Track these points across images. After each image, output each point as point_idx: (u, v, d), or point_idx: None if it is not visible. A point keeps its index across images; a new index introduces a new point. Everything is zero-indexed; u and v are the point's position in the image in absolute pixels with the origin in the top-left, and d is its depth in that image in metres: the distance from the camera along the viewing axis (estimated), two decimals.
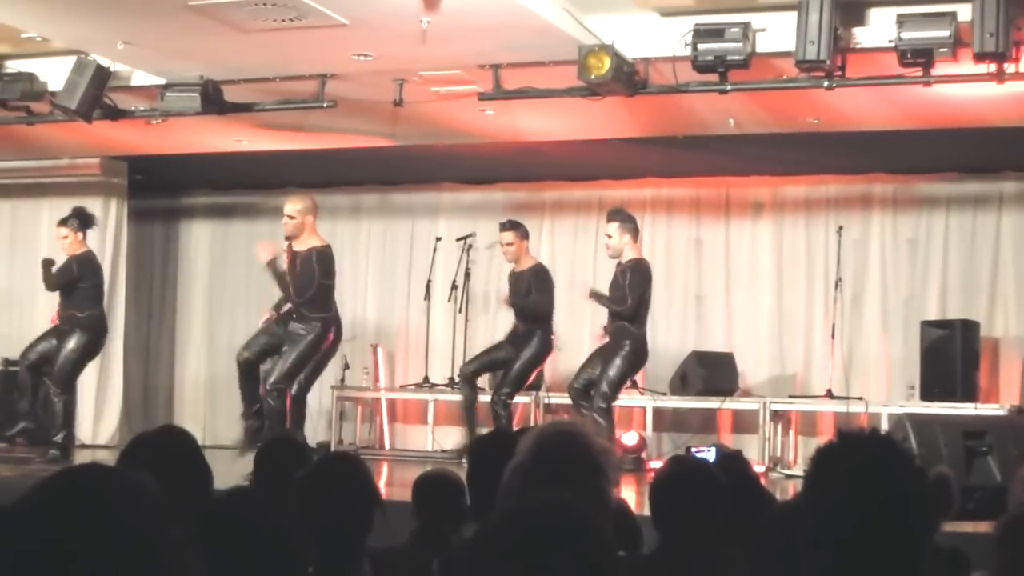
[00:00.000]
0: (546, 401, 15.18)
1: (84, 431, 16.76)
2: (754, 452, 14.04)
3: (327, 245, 13.07)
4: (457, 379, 15.08)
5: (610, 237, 13.10)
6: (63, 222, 14.03)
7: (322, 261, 12.88)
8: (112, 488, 2.18)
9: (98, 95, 12.36)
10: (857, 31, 10.74)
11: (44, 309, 17.41)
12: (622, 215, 13.22)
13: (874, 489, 2.84)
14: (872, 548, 2.82)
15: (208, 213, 18.85)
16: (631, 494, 11.25)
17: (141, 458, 4.22)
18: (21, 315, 17.65)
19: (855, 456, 2.92)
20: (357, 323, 16.83)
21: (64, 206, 17.53)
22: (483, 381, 14.68)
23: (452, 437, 15.93)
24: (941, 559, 5.05)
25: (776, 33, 10.82)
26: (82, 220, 14.02)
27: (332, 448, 15.42)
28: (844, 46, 10.62)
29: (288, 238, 12.97)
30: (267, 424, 12.64)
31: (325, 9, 10.41)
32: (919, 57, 10.35)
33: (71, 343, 13.71)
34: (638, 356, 13.10)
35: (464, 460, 13.99)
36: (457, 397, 14.89)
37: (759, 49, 10.84)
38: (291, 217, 12.87)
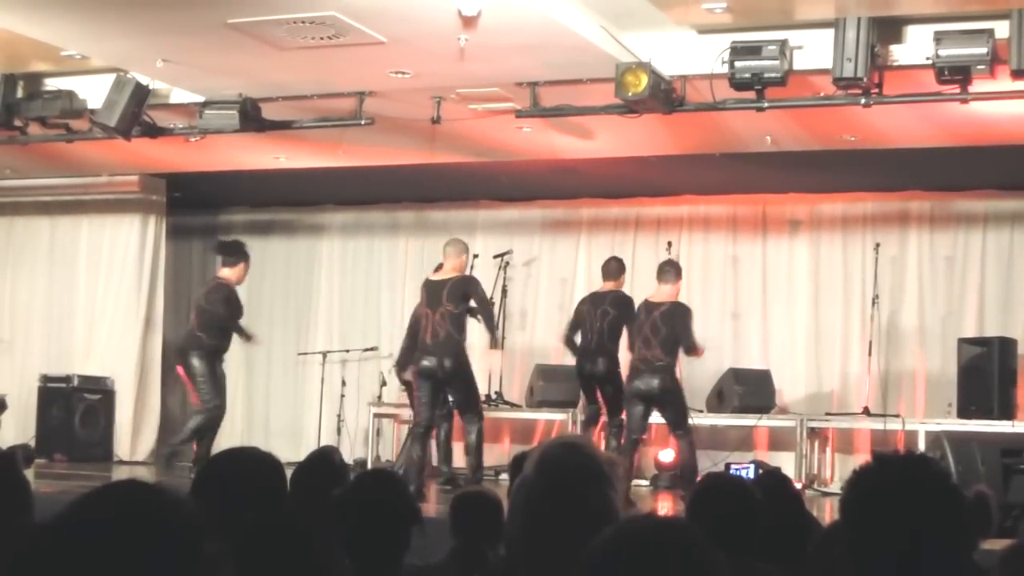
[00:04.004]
0: (581, 418, 15.11)
1: (122, 447, 16.84)
2: (791, 469, 13.98)
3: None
4: None
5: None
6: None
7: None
8: (149, 504, 2.20)
9: (137, 112, 12.43)
10: (894, 48, 10.72)
11: (83, 325, 17.56)
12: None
13: (910, 510, 2.84)
14: (910, 568, 2.83)
15: (246, 230, 18.85)
16: (668, 511, 11.23)
17: (221, 473, 4.27)
18: (60, 332, 17.73)
19: (890, 478, 2.92)
20: (395, 340, 16.81)
21: (103, 223, 17.71)
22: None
23: (490, 454, 15.91)
24: None
25: (813, 50, 10.81)
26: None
27: (369, 465, 15.42)
28: (881, 63, 10.61)
29: None
30: None
31: (363, 27, 10.45)
32: (956, 74, 10.31)
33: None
34: None
35: (501, 477, 14.07)
36: (495, 414, 14.82)
37: (796, 66, 10.83)
38: None
